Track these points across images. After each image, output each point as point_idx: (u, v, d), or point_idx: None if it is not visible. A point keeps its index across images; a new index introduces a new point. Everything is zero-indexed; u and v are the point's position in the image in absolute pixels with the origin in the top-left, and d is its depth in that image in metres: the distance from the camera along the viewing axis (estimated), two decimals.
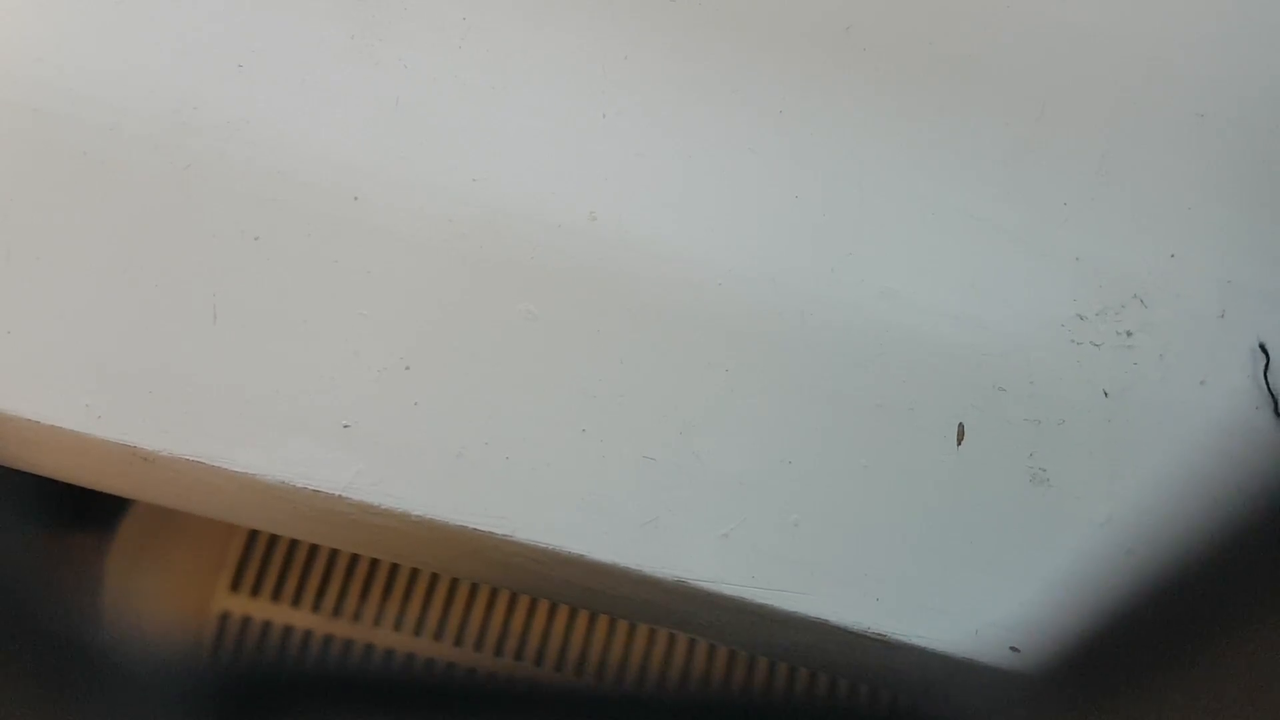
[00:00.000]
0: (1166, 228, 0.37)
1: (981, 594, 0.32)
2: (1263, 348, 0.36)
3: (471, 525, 0.32)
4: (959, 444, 0.34)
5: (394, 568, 0.52)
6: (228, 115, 0.35)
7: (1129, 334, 0.36)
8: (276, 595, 0.51)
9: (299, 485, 0.32)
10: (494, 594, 0.51)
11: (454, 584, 0.52)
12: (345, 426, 0.32)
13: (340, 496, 0.32)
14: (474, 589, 0.51)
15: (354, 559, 0.51)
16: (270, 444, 0.32)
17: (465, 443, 0.32)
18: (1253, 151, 0.39)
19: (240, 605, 0.50)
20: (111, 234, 0.33)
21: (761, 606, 0.32)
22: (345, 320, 0.33)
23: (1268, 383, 0.35)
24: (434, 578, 0.52)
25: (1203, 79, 0.39)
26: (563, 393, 0.33)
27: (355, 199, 0.34)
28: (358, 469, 0.32)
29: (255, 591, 0.51)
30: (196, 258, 0.33)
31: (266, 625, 0.50)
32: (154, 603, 0.51)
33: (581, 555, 0.32)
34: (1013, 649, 0.32)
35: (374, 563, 0.52)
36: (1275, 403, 0.35)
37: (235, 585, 0.51)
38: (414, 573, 0.52)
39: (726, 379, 0.34)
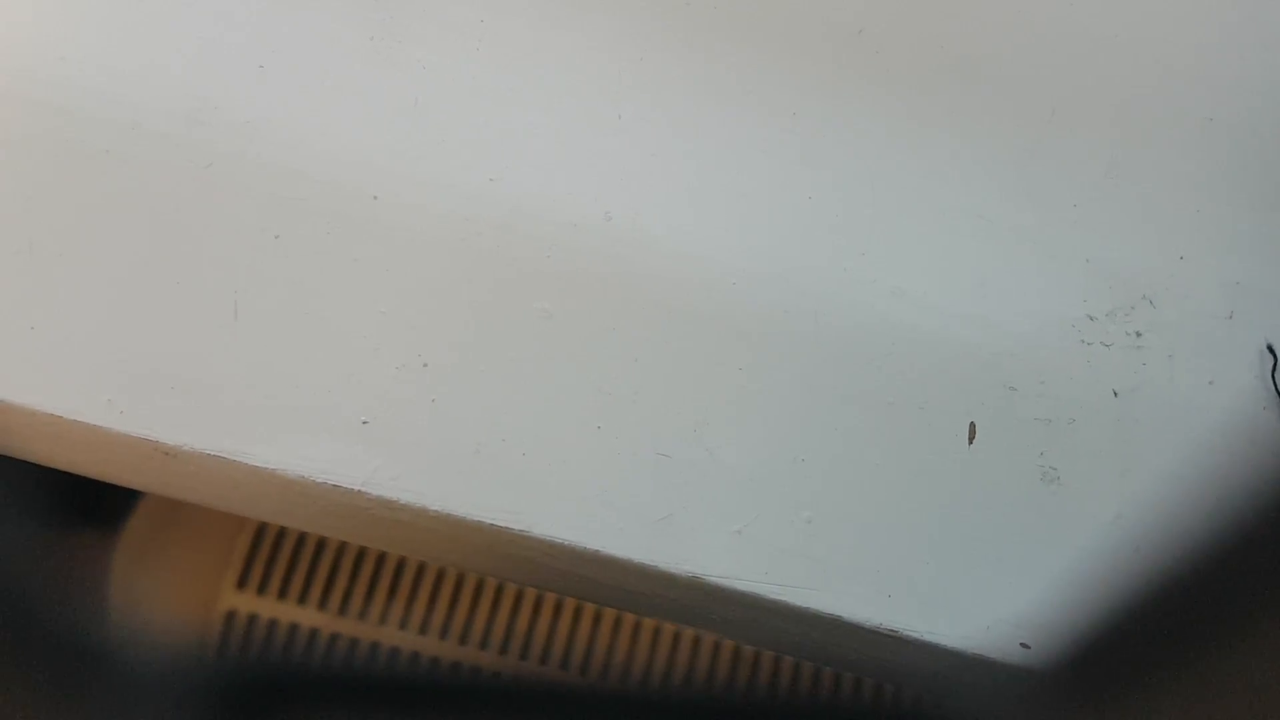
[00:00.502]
0: (1175, 229, 0.38)
1: (992, 590, 0.33)
2: (1271, 349, 0.36)
3: (488, 520, 0.32)
4: (970, 442, 0.34)
5: (400, 565, 0.52)
6: (249, 115, 0.35)
7: (1138, 334, 0.36)
8: (283, 593, 0.51)
9: (318, 480, 0.32)
10: (499, 592, 0.52)
11: (460, 582, 0.52)
12: (364, 423, 0.32)
13: (359, 491, 0.32)
14: (480, 587, 0.52)
15: (360, 556, 0.52)
16: (289, 440, 0.32)
17: (482, 439, 0.33)
18: (1261, 155, 0.39)
19: (246, 603, 0.50)
20: (133, 231, 0.33)
21: (774, 602, 0.32)
22: (364, 318, 0.33)
23: (1275, 383, 0.36)
24: (440, 575, 0.52)
25: (1212, 82, 0.40)
26: (578, 390, 0.34)
27: (375, 198, 0.35)
28: (376, 465, 0.32)
29: (262, 589, 0.51)
30: (217, 255, 0.33)
31: (273, 623, 0.50)
32: (160, 600, 0.51)
33: (596, 551, 0.32)
34: (1023, 645, 0.32)
35: (380, 560, 0.52)
36: None
37: (241, 583, 0.51)
38: (420, 570, 0.52)
39: (740, 377, 0.34)
